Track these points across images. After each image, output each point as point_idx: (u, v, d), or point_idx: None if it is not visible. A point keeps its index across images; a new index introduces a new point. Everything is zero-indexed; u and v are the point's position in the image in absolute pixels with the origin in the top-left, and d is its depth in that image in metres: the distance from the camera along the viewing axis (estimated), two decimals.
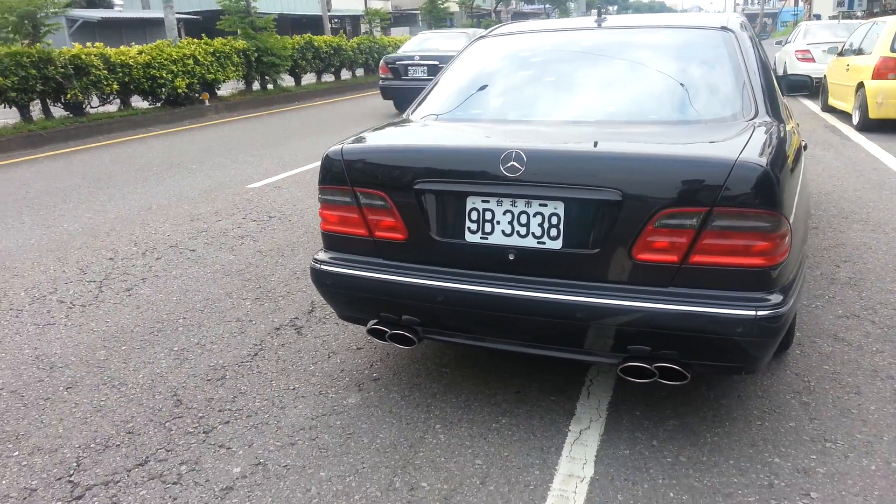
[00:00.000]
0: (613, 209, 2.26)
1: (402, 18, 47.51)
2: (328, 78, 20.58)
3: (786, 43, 15.45)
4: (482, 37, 3.62)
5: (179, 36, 24.33)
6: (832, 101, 10.70)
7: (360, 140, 2.81)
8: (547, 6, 49.30)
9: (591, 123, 2.80)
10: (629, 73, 3.10)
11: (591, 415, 2.70)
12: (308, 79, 19.71)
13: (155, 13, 28.25)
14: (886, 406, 2.68)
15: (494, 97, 3.16)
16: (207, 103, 14.30)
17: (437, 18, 28.59)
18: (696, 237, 2.20)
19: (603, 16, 3.46)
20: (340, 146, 2.71)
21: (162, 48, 13.33)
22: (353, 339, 3.42)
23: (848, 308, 3.57)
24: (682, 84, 2.92)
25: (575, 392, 2.86)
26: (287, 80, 18.24)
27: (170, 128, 12.54)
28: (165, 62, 13.14)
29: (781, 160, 2.33)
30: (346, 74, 21.63)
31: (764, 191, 2.14)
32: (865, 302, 3.64)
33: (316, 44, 18.66)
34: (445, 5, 29.02)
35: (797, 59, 13.53)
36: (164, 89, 13.23)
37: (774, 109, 2.75)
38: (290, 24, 37.81)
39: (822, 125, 9.86)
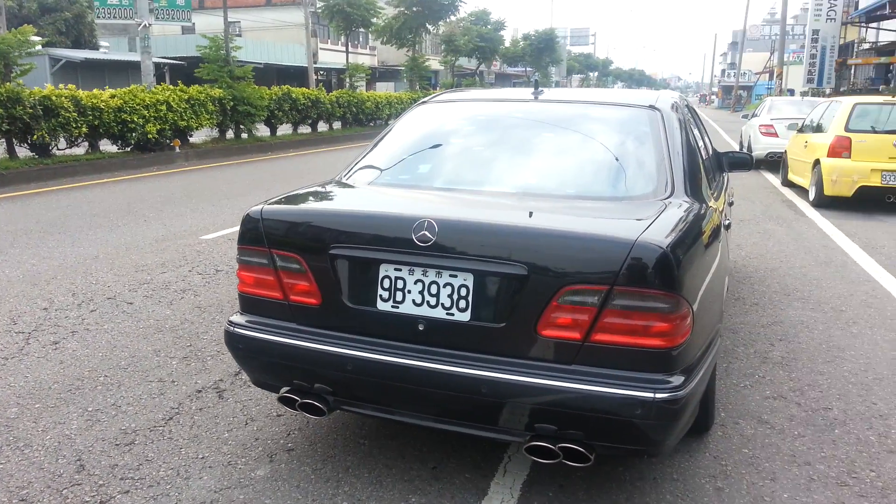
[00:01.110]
0: (519, 283, 2.26)
1: (387, 74, 48.40)
2: (305, 129, 20.77)
3: (752, 117, 15.90)
4: (424, 102, 3.68)
5: (166, 80, 24.46)
6: (791, 177, 10.97)
7: (282, 201, 2.81)
8: (528, 69, 50.57)
9: (511, 195, 2.84)
10: (556, 147, 3.17)
11: (504, 494, 2.63)
12: (284, 129, 19.88)
13: (139, 57, 28.53)
14: (799, 494, 2.65)
15: (423, 164, 3.20)
16: (178, 150, 14.31)
17: (421, 76, 29.18)
18: (597, 315, 2.20)
19: (540, 89, 3.53)
20: (261, 206, 2.70)
21: (135, 93, 13.38)
22: (275, 405, 3.34)
23: (776, 389, 3.57)
24: (603, 160, 2.99)
25: (491, 469, 2.80)
26: (262, 130, 18.36)
27: (136, 173, 12.49)
28: (138, 107, 13.17)
29: (689, 241, 2.36)
30: (323, 127, 21.84)
31: (662, 272, 2.16)
32: (794, 383, 3.64)
33: (294, 96, 18.87)
34: (427, 63, 29.67)
35: (761, 133, 13.90)
36: (134, 134, 13.23)
37: (694, 189, 2.80)
38: (277, 73, 38.34)
39: (780, 199, 10.08)
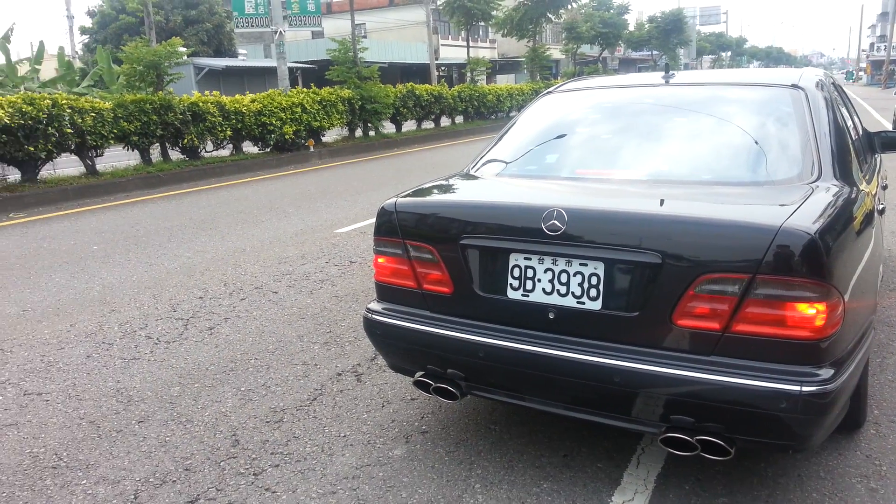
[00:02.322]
0: (653, 272, 2.23)
1: (507, 66, 48.33)
2: (428, 125, 21.18)
3: None
4: (549, 92, 3.69)
5: (298, 84, 25.67)
6: None
7: (414, 194, 2.92)
8: (655, 52, 48.78)
9: (642, 183, 2.79)
10: (689, 132, 3.07)
11: (638, 486, 2.61)
12: (409, 126, 20.37)
13: (274, 63, 30.15)
14: None
15: (552, 154, 3.21)
16: (312, 149, 15.05)
17: (541, 66, 28.93)
18: (738, 305, 2.13)
19: (671, 72, 3.44)
20: (395, 199, 2.83)
21: (273, 97, 14.19)
22: (409, 389, 3.48)
23: None
24: (741, 144, 2.85)
25: (624, 460, 2.79)
26: (388, 127, 18.92)
27: (275, 172, 13.27)
28: (275, 110, 13.97)
29: (839, 227, 2.24)
30: (446, 121, 22.17)
31: (811, 259, 2.06)
32: None
33: (417, 92, 19.29)
34: (548, 53, 29.34)
35: None
36: (273, 135, 14.05)
37: (844, 172, 2.64)
38: (400, 71, 39.33)
39: None
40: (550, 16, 29.65)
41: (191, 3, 35.11)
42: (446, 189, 3.04)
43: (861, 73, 72.39)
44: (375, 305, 2.88)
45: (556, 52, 39.35)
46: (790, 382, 2.06)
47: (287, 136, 14.22)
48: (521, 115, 3.56)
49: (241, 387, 3.61)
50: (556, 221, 2.35)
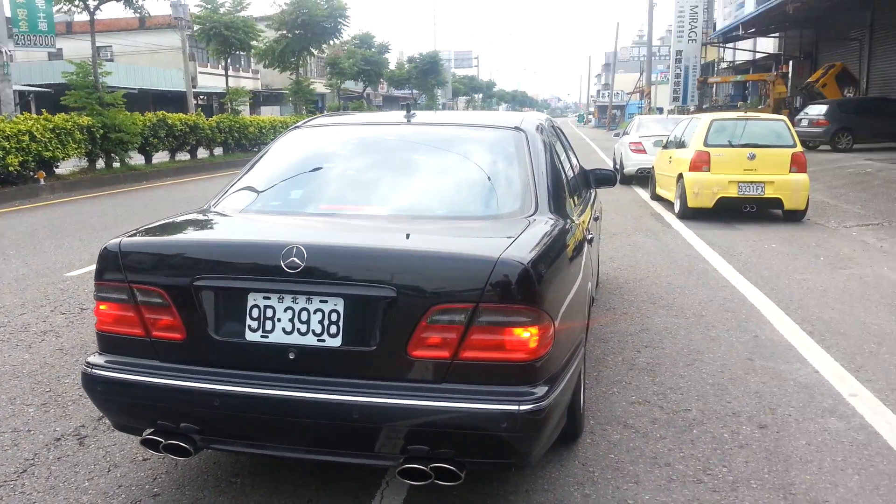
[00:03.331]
0: (389, 305, 2.29)
1: (271, 97, 47.54)
2: (184, 156, 20.05)
3: (623, 135, 16.77)
4: (297, 127, 3.68)
5: (31, 109, 22.88)
6: (659, 191, 11.63)
7: (142, 233, 2.73)
8: (415, 91, 51.15)
9: (383, 218, 2.89)
10: (427, 169, 3.26)
11: None
12: (161, 157, 19.10)
13: None
14: (660, 495, 2.79)
15: (295, 189, 3.20)
16: (43, 182, 13.45)
17: (306, 100, 28.86)
18: (465, 333, 2.26)
19: (412, 112, 3.61)
20: (119, 240, 2.61)
21: None
22: (141, 449, 3.18)
23: (641, 394, 3.76)
24: (474, 180, 3.08)
25: (368, 496, 2.79)
26: (137, 158, 17.58)
27: None
28: None
29: (550, 257, 2.47)
30: (203, 153, 21.16)
31: (524, 287, 2.24)
32: (658, 387, 3.85)
33: (170, 121, 18.20)
34: (312, 87, 29.39)
35: (631, 150, 14.68)
36: None
37: (558, 206, 2.94)
38: (153, 99, 36.85)
39: (649, 213, 10.67)
40: (313, 50, 29.75)
41: None
42: (180, 227, 2.88)
43: (590, 117, 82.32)
44: (96, 359, 2.61)
45: (320, 86, 39.56)
46: (509, 402, 2.22)
47: (11, 168, 12.54)
48: (267, 150, 3.52)
49: None
50: (295, 258, 2.31)
